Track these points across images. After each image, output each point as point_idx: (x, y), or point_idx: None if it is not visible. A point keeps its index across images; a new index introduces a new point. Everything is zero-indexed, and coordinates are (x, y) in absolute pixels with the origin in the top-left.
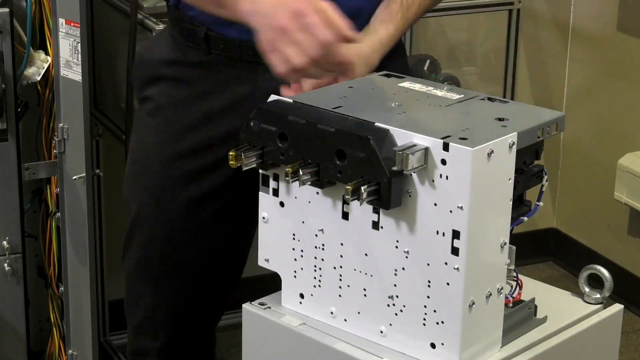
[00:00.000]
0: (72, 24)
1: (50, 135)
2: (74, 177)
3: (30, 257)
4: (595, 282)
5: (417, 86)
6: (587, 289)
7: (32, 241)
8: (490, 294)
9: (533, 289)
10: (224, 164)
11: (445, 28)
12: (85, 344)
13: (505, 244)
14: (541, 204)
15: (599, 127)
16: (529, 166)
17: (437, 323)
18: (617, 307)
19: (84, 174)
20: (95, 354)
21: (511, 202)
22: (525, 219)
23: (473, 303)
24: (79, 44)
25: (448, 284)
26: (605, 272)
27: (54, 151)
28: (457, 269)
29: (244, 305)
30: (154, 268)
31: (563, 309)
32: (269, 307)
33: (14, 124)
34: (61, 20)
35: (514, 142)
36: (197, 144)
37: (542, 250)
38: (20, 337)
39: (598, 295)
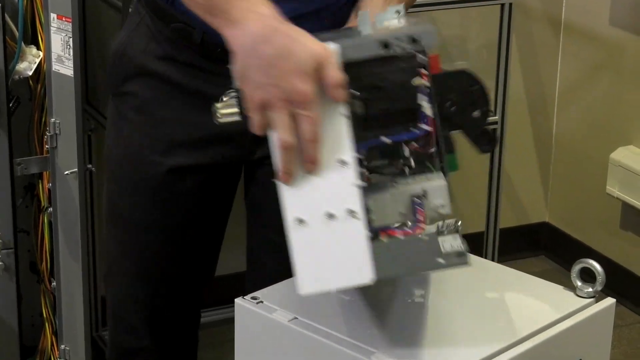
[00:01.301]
0: (63, 19)
1: (42, 130)
2: (66, 172)
3: (23, 253)
4: (588, 276)
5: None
6: (579, 283)
7: (24, 236)
8: (333, 215)
9: (525, 283)
10: (208, 166)
11: (437, 23)
12: (77, 339)
13: (344, 162)
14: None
15: (591, 121)
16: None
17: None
18: (609, 301)
19: (76, 169)
20: (87, 349)
21: (346, 116)
22: (388, 141)
23: (302, 221)
24: (71, 39)
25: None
26: (597, 266)
27: (46, 146)
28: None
29: (236, 300)
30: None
31: (555, 303)
32: (262, 302)
33: (5, 119)
34: (53, 15)
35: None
36: (185, 145)
37: (534, 244)
38: (13, 332)
39: (590, 289)
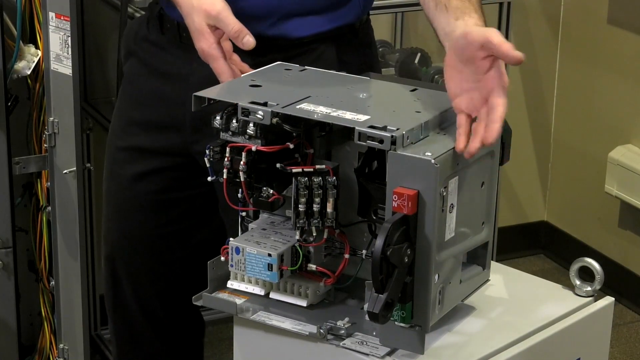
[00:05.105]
0: (62, 18)
1: (41, 129)
2: (64, 171)
3: (21, 251)
4: (586, 274)
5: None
6: (578, 282)
7: (23, 235)
8: None
9: (523, 281)
10: (165, 147)
11: None
12: (76, 338)
13: None
14: None
15: (590, 120)
16: None
17: None
18: (608, 300)
19: (75, 168)
20: (86, 348)
21: None
22: None
23: None
24: (69, 38)
25: None
26: (596, 264)
27: (45, 145)
28: None
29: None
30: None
31: (554, 302)
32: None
33: (4, 118)
34: (51, 14)
35: None
36: (142, 121)
37: (533, 243)
38: (11, 331)
39: (589, 288)
